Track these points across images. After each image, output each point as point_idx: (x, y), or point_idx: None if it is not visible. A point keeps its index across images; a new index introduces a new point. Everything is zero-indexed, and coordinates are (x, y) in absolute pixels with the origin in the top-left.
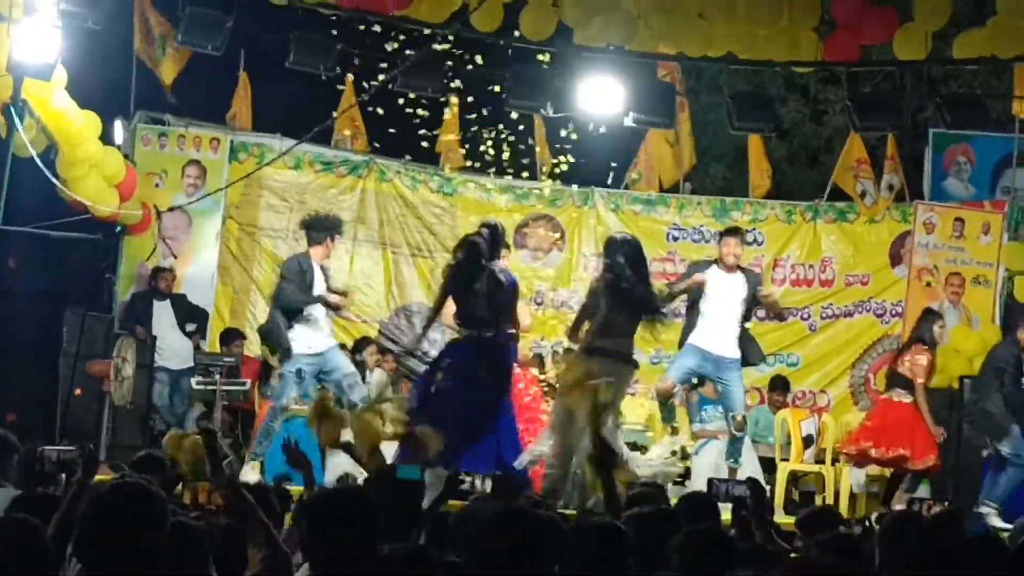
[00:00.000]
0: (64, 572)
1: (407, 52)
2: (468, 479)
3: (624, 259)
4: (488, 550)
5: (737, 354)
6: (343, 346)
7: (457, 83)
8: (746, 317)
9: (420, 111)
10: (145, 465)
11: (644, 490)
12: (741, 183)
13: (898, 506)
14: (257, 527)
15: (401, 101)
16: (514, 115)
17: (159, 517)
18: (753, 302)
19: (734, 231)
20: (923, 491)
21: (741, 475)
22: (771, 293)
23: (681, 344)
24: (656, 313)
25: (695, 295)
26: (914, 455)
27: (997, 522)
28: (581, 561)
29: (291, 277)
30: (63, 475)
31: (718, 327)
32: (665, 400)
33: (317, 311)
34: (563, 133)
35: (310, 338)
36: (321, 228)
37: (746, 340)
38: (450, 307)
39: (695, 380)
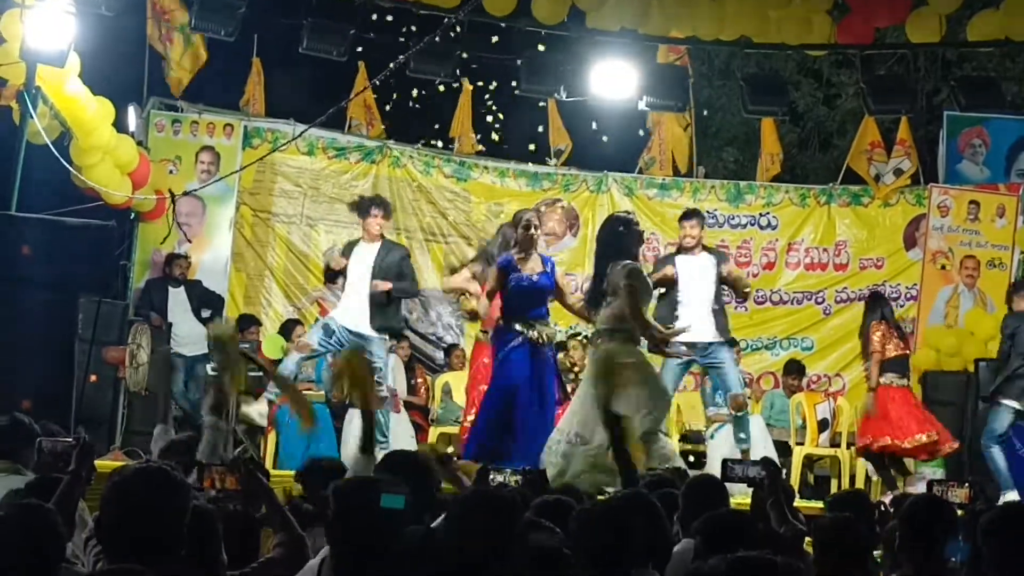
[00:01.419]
0: (80, 556)
1: (420, 37)
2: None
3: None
4: (461, 529)
5: (720, 336)
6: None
7: (470, 68)
8: (718, 296)
9: (433, 96)
10: (173, 451)
11: (663, 474)
12: (752, 167)
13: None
14: (272, 510)
15: (415, 87)
16: (527, 99)
17: (181, 503)
18: (720, 282)
19: (690, 213)
20: (938, 474)
21: (756, 457)
22: (732, 270)
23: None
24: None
25: (666, 287)
26: (941, 439)
27: None
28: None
29: None
30: (60, 465)
31: (695, 316)
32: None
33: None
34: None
35: (355, 314)
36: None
37: (718, 315)
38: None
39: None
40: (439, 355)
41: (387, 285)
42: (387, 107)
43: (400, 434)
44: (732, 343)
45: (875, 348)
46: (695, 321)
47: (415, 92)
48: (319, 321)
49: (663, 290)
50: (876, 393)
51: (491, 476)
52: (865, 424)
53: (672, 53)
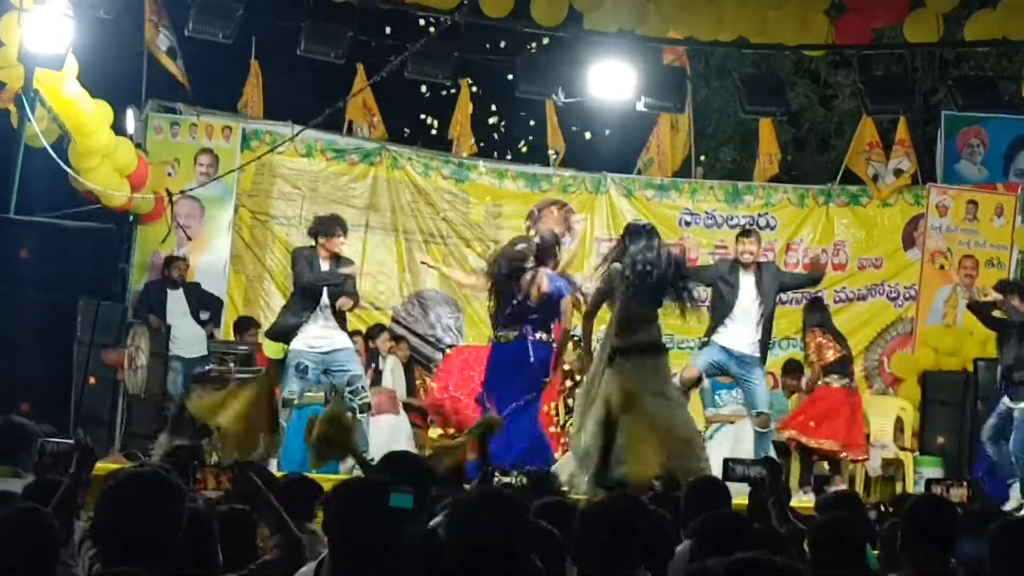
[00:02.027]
0: (76, 557)
1: (417, 39)
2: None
3: (644, 243)
4: (464, 529)
5: (758, 352)
6: (356, 332)
7: (469, 69)
8: (769, 315)
9: (432, 98)
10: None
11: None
12: (749, 167)
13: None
14: (267, 511)
15: (413, 88)
16: (525, 101)
17: (176, 507)
18: (776, 293)
19: (749, 231)
20: (938, 474)
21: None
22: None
23: (707, 336)
24: (682, 292)
25: (721, 291)
26: (848, 448)
27: None
28: None
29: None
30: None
31: (740, 325)
32: (687, 389)
33: (327, 310)
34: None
35: (316, 335)
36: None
37: (763, 333)
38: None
39: (718, 373)
40: (438, 356)
41: (349, 304)
42: (385, 109)
43: (399, 435)
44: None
45: (811, 359)
46: (739, 331)
47: (413, 94)
48: (287, 367)
49: (708, 294)
50: (813, 394)
51: (496, 477)
52: (791, 418)
53: (671, 54)
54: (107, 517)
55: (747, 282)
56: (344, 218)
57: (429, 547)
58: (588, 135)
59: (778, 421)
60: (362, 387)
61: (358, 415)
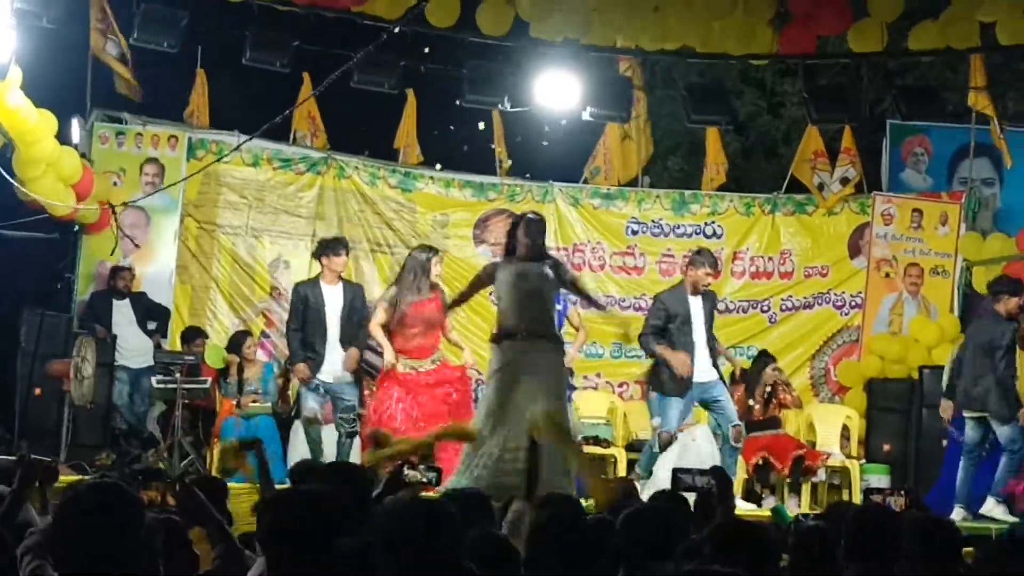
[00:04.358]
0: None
1: (364, 48)
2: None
3: (527, 233)
4: (393, 541)
5: (715, 374)
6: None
7: (414, 78)
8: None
9: (378, 107)
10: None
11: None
12: (697, 176)
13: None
14: (210, 524)
15: (359, 98)
16: (471, 110)
17: (135, 519)
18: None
19: (710, 257)
20: (884, 481)
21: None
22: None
23: (661, 385)
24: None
25: (678, 328)
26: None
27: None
28: None
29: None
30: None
31: (699, 354)
32: (664, 449)
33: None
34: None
35: (333, 367)
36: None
37: (714, 353)
38: None
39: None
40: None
41: (356, 355)
42: (331, 118)
43: None
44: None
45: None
46: (699, 365)
47: (359, 103)
48: (305, 393)
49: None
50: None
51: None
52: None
53: (622, 63)
54: (65, 528)
55: (696, 307)
56: (346, 238)
57: (363, 558)
58: (534, 144)
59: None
60: (355, 418)
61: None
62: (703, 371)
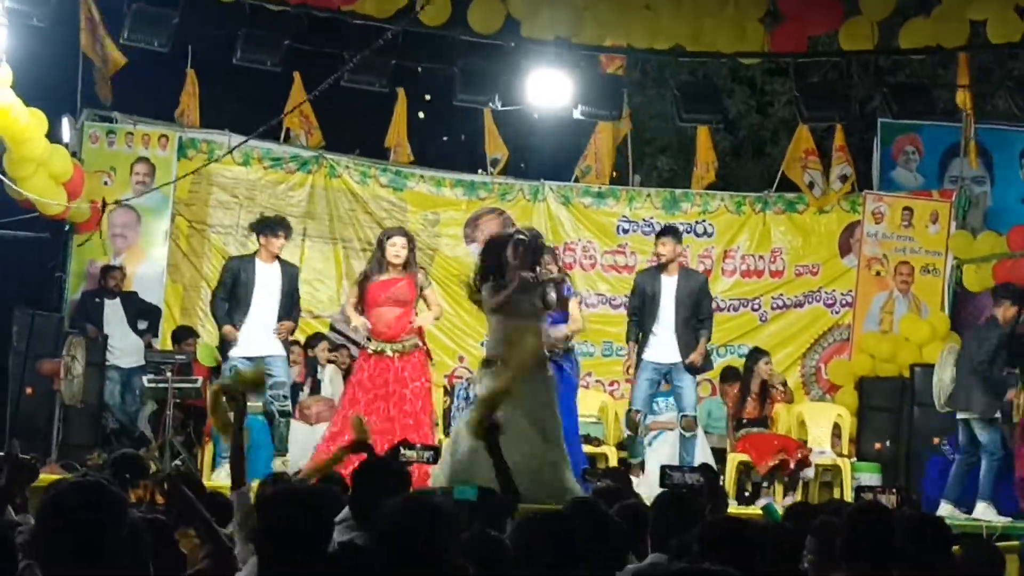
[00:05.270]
0: None
1: (356, 46)
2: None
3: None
4: (389, 538)
5: (679, 358)
6: (295, 342)
7: (405, 77)
8: (695, 318)
9: (369, 106)
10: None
11: (608, 484)
12: (686, 175)
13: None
14: (198, 522)
15: (350, 96)
16: (463, 109)
17: (119, 516)
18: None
19: (665, 230)
20: (875, 479)
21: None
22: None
23: (637, 363)
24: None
25: (644, 301)
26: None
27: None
28: None
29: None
30: None
31: (664, 333)
32: (635, 430)
33: (264, 317)
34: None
35: (251, 340)
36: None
37: (684, 337)
38: None
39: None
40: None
41: (290, 326)
42: (322, 117)
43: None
44: (693, 369)
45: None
46: (665, 341)
47: (350, 102)
48: (227, 368)
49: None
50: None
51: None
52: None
53: (615, 61)
54: (48, 527)
55: (668, 286)
56: (289, 222)
57: (364, 557)
58: (525, 142)
59: (716, 431)
60: (286, 395)
61: (278, 419)
62: (664, 352)
